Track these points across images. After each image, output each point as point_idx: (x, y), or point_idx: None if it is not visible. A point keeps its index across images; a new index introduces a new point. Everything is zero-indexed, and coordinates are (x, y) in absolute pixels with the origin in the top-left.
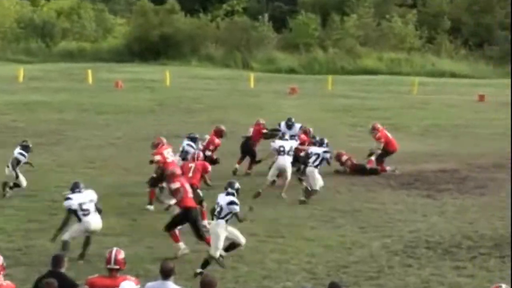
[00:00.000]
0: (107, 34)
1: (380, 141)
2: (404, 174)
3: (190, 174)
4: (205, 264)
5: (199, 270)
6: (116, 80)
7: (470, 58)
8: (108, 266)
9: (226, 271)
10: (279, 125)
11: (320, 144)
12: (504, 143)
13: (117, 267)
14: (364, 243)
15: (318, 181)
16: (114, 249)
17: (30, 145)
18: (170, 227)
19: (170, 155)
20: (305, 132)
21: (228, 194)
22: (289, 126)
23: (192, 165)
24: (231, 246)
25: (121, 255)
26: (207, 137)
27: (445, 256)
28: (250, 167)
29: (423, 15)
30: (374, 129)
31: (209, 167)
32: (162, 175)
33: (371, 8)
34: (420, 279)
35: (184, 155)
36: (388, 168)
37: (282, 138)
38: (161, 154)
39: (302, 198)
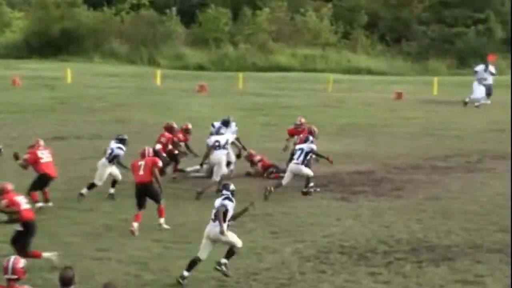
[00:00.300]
0: (4, 28)
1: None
2: (318, 176)
3: (141, 172)
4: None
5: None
6: (13, 77)
7: (387, 54)
8: (6, 276)
9: (130, 279)
10: (213, 125)
11: (305, 140)
12: (421, 142)
13: (15, 276)
14: (276, 248)
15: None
16: (12, 257)
17: (2, 149)
18: (22, 251)
19: (45, 156)
20: (310, 132)
21: (222, 195)
22: (226, 123)
23: (141, 162)
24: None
25: (20, 264)
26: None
27: (360, 262)
28: (175, 171)
29: (338, 9)
30: (302, 124)
31: (160, 162)
32: (40, 178)
33: (284, 2)
34: (334, 286)
35: (111, 157)
36: None
37: (217, 133)
38: (32, 153)
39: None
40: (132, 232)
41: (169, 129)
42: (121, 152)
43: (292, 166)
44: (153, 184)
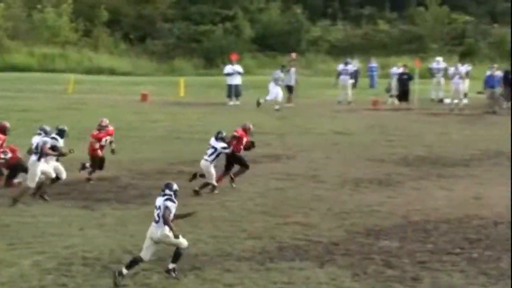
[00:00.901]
0: None
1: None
2: (57, 183)
3: None
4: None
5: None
6: None
7: (131, 53)
8: None
9: None
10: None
11: (216, 138)
12: (168, 147)
13: None
14: (13, 261)
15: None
16: None
17: None
18: None
19: None
20: (244, 129)
21: (165, 195)
22: (61, 132)
23: None
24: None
25: None
26: None
27: (104, 274)
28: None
29: (79, 5)
30: (106, 125)
31: None
32: None
33: None
34: None
35: None
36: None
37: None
38: None
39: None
40: None
41: (2, 128)
42: None
43: (202, 162)
44: None
